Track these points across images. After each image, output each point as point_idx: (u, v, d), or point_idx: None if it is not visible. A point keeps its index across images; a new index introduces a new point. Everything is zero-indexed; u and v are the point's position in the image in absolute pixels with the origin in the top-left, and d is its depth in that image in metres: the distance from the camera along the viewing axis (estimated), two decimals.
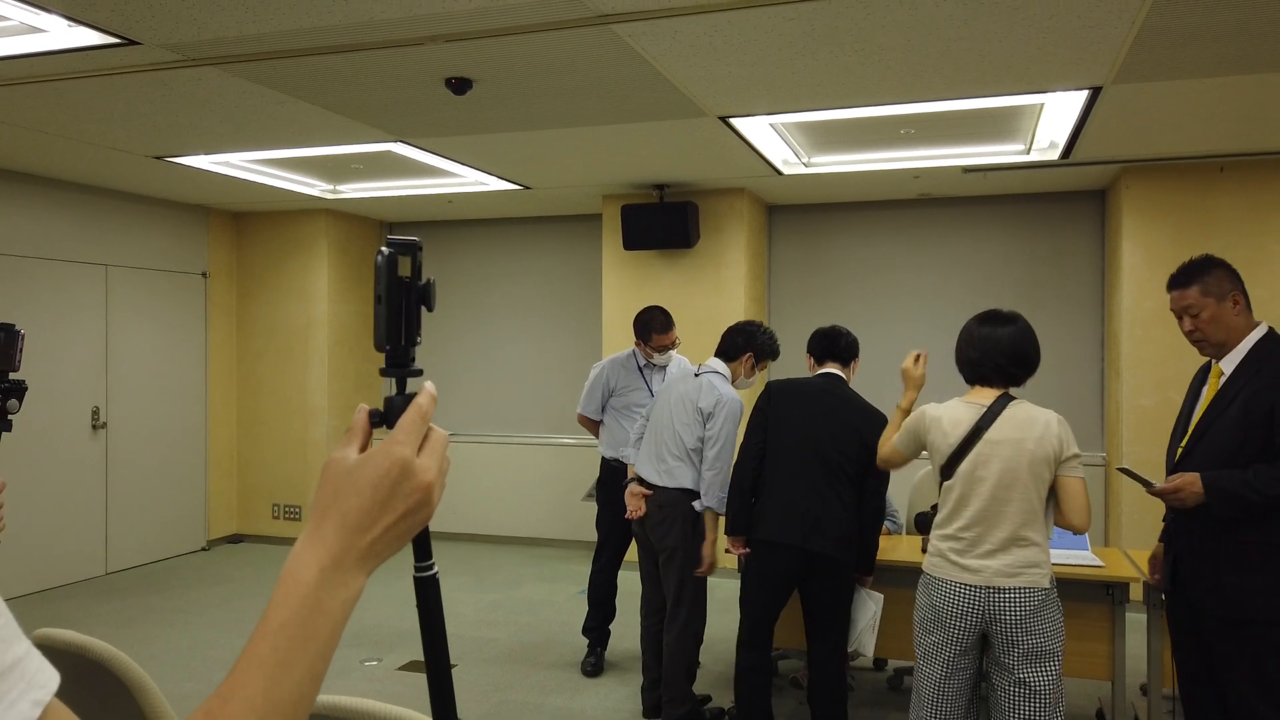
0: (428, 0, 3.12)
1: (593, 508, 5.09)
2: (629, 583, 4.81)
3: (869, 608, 3.59)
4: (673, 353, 4.80)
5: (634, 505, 4.06)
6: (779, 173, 5.88)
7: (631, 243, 6.59)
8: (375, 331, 0.79)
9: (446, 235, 8.21)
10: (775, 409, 3.62)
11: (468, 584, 6.53)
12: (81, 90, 4.19)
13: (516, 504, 7.82)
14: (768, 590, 3.56)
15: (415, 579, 0.81)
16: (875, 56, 3.72)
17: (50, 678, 0.56)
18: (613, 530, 4.86)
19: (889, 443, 3.10)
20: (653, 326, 4.70)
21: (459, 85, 3.98)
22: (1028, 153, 5.45)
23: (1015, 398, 2.80)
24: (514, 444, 7.89)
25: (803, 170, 5.86)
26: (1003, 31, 3.44)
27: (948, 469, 2.80)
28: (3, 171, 6.06)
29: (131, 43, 3.53)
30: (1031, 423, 2.72)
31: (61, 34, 3.48)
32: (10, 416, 1.61)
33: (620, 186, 6.64)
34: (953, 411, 2.84)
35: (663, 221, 6.48)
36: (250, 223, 7.90)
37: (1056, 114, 4.69)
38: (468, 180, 6.43)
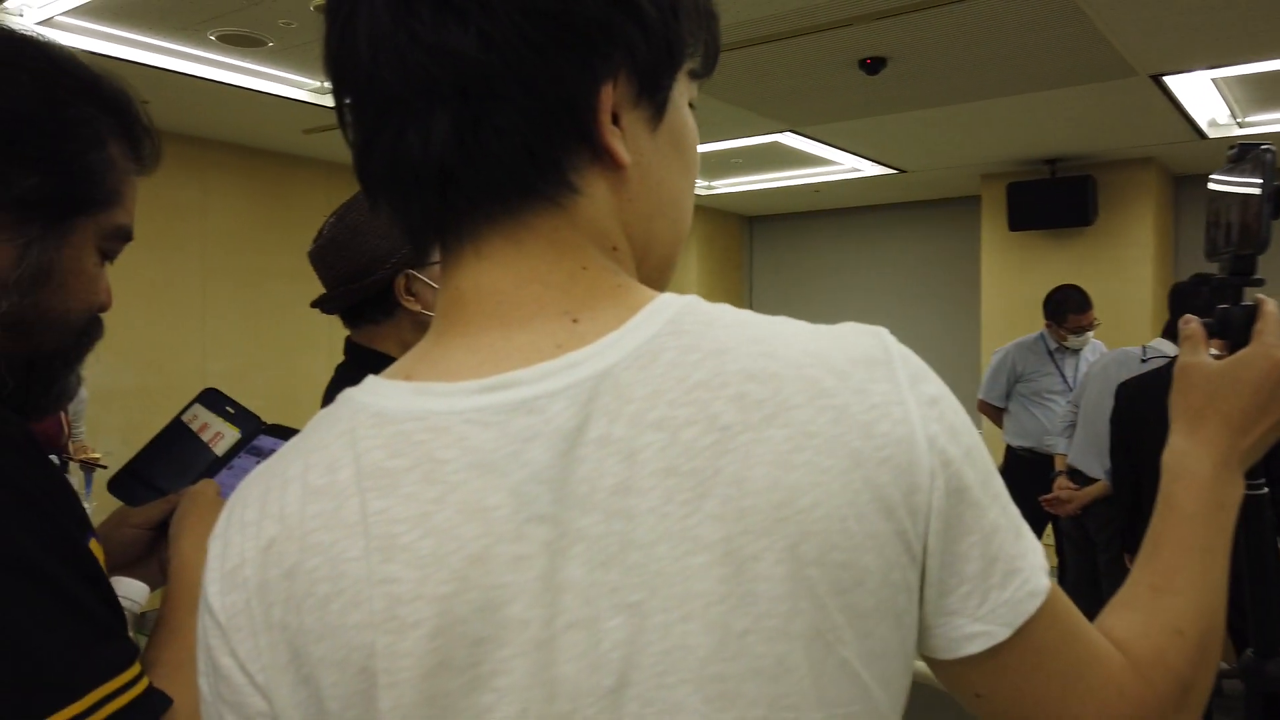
0: None
1: None
2: None
3: None
4: (1089, 335, 4.45)
5: (1064, 498, 3.81)
6: (1202, 136, 5.26)
7: (1018, 223, 6.21)
8: (1253, 232, 0.77)
9: (807, 226, 8.25)
10: (1132, 421, 3.15)
11: None
12: None
13: None
14: None
15: (1248, 496, 0.77)
16: None
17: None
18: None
19: None
20: (1068, 306, 4.39)
21: (873, 65, 3.97)
22: None
23: None
24: None
25: (1234, 131, 5.20)
26: None
27: None
28: None
29: None
30: None
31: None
32: None
33: (1003, 164, 6.29)
34: None
35: (1056, 198, 6.04)
36: None
37: None
38: (842, 168, 6.41)
